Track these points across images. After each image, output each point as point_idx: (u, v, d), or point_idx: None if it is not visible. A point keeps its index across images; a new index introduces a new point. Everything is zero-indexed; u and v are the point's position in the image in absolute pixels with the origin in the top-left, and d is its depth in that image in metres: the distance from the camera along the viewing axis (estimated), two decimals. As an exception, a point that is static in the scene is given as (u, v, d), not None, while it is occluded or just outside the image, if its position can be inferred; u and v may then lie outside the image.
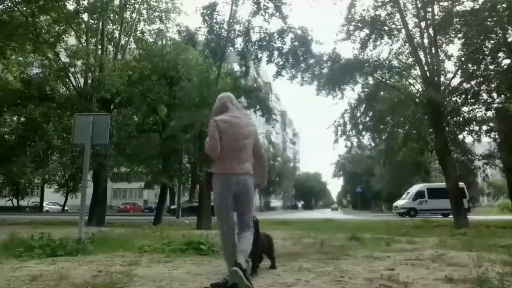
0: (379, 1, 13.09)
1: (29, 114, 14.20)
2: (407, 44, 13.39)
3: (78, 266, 4.06)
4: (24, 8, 13.04)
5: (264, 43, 12.19)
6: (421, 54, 12.83)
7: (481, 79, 12.61)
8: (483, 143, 14.16)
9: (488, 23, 11.61)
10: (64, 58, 14.01)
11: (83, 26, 14.38)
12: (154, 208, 27.89)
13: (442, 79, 13.08)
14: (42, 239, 5.47)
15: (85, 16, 14.29)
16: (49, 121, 14.07)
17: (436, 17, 12.84)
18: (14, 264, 4.10)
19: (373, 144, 16.02)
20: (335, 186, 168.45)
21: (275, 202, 65.85)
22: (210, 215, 11.35)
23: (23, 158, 14.45)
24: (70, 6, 13.99)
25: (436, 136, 12.57)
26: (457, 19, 12.24)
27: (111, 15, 14.08)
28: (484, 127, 13.25)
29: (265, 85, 45.94)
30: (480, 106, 13.23)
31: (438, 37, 12.82)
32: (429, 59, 12.65)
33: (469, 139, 13.76)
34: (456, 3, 12.41)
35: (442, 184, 17.77)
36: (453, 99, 13.21)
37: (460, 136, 13.54)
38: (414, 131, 14.47)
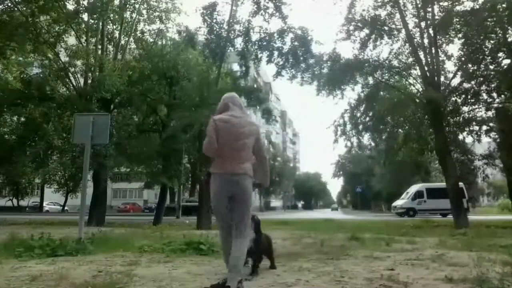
0: (379, 1, 13.10)
1: (29, 114, 14.19)
2: (407, 44, 13.40)
3: (78, 266, 4.05)
4: (24, 8, 13.03)
5: (264, 43, 12.19)
6: (421, 54, 12.83)
7: (481, 79, 12.62)
8: (483, 143, 14.17)
9: (488, 23, 11.61)
10: (64, 58, 14.01)
11: (83, 26, 14.37)
12: (153, 208, 27.91)
13: (442, 79, 13.09)
14: (42, 239, 5.47)
15: (85, 16, 14.30)
16: (49, 121, 14.05)
17: (436, 17, 12.84)
18: (14, 264, 4.10)
19: (373, 144, 16.03)
20: (335, 186, 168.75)
21: (275, 202, 65.87)
22: (210, 215, 11.35)
23: (23, 158, 14.45)
24: (70, 6, 14.01)
25: (436, 136, 12.57)
26: (457, 19, 12.24)
27: (111, 15, 14.08)
28: (484, 127, 13.27)
29: (265, 85, 45.96)
30: (480, 106, 13.24)
31: (438, 37, 12.82)
32: (429, 59, 12.65)
33: (469, 139, 13.80)
34: (456, 3, 12.41)
35: (441, 184, 17.77)
36: (453, 99, 13.23)
37: (460, 136, 13.56)
38: (414, 131, 14.48)
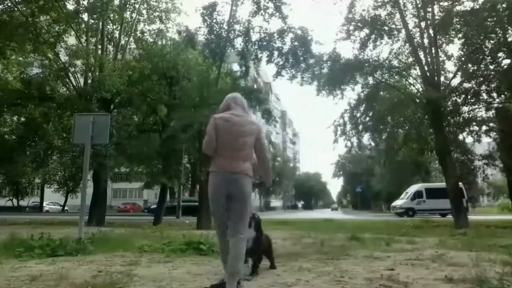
0: (379, 1, 13.11)
1: (29, 114, 14.18)
2: (407, 44, 13.41)
3: (78, 266, 4.06)
4: (24, 8, 13.02)
5: (264, 43, 12.19)
6: (421, 54, 12.84)
7: (481, 79, 12.62)
8: (483, 143, 14.17)
9: (488, 23, 11.61)
10: (64, 58, 14.01)
11: (83, 26, 14.36)
12: (152, 208, 27.93)
13: (442, 79, 13.10)
14: (42, 239, 5.47)
15: (85, 16, 14.29)
16: (49, 121, 14.04)
17: (436, 17, 12.85)
18: (14, 264, 4.10)
19: (373, 144, 16.02)
20: (335, 186, 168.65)
21: (275, 202, 65.87)
22: (210, 215, 11.34)
23: (23, 158, 14.45)
24: (70, 6, 14.00)
25: (436, 136, 12.58)
26: (457, 19, 12.24)
27: (111, 15, 14.08)
28: (484, 127, 13.27)
29: (265, 85, 46.04)
30: (480, 106, 13.24)
31: (438, 37, 12.82)
32: (429, 59, 12.65)
33: (469, 139, 13.80)
34: (456, 3, 12.41)
35: (440, 184, 17.76)
36: (453, 99, 13.22)
37: (460, 136, 13.56)
38: (414, 131, 14.48)
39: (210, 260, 4.47)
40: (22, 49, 13.51)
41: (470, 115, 13.45)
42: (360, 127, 14.59)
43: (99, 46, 14.46)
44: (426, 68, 12.60)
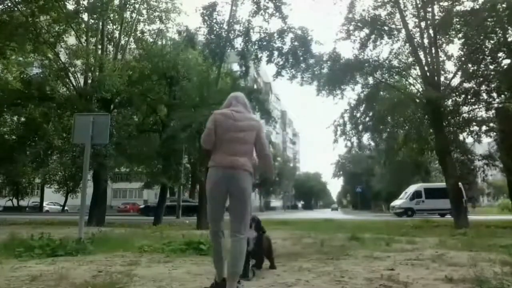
0: (379, 1, 13.11)
1: (29, 114, 14.18)
2: (407, 44, 13.40)
3: (78, 266, 4.06)
4: (24, 8, 13.02)
5: (264, 43, 12.19)
6: (421, 54, 12.83)
7: (481, 79, 12.61)
8: (483, 143, 14.16)
9: (488, 23, 11.60)
10: (64, 58, 14.01)
11: (83, 26, 14.36)
12: (151, 208, 27.90)
13: (442, 79, 13.09)
14: (42, 239, 5.47)
15: (85, 16, 14.28)
16: (49, 121, 14.04)
17: (436, 17, 12.84)
18: (14, 264, 4.11)
19: (373, 144, 16.02)
20: (335, 186, 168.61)
21: (275, 202, 65.86)
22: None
23: (23, 158, 14.44)
24: (70, 6, 13.99)
25: (436, 136, 12.57)
26: (457, 19, 12.24)
27: (111, 15, 14.07)
28: (484, 127, 13.26)
29: (265, 85, 46.04)
30: (480, 106, 13.23)
31: (438, 37, 12.82)
32: (429, 59, 12.65)
33: (469, 140, 13.79)
34: (456, 3, 12.41)
35: (439, 184, 17.74)
36: (453, 99, 13.22)
37: (460, 136, 13.55)
38: (414, 131, 14.47)
39: (210, 260, 4.46)
40: (22, 49, 13.51)
41: (470, 115, 13.44)
42: (360, 127, 14.58)
43: (99, 46, 14.46)
44: (426, 68, 12.60)
